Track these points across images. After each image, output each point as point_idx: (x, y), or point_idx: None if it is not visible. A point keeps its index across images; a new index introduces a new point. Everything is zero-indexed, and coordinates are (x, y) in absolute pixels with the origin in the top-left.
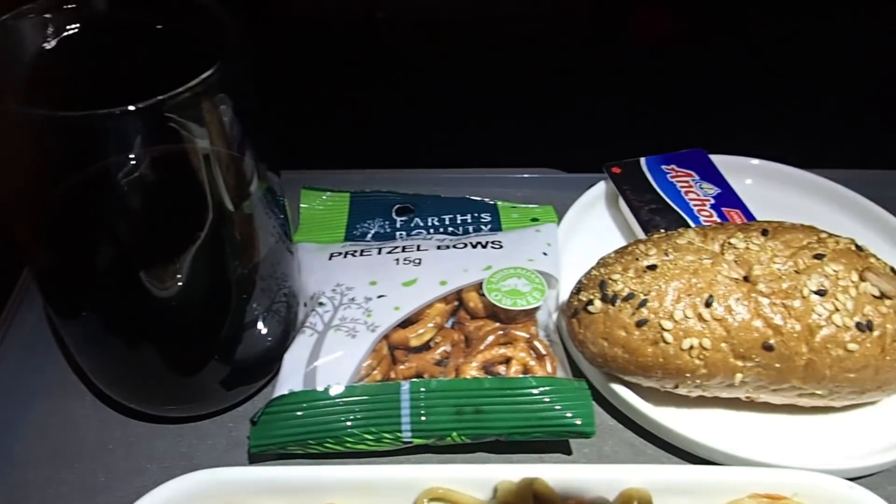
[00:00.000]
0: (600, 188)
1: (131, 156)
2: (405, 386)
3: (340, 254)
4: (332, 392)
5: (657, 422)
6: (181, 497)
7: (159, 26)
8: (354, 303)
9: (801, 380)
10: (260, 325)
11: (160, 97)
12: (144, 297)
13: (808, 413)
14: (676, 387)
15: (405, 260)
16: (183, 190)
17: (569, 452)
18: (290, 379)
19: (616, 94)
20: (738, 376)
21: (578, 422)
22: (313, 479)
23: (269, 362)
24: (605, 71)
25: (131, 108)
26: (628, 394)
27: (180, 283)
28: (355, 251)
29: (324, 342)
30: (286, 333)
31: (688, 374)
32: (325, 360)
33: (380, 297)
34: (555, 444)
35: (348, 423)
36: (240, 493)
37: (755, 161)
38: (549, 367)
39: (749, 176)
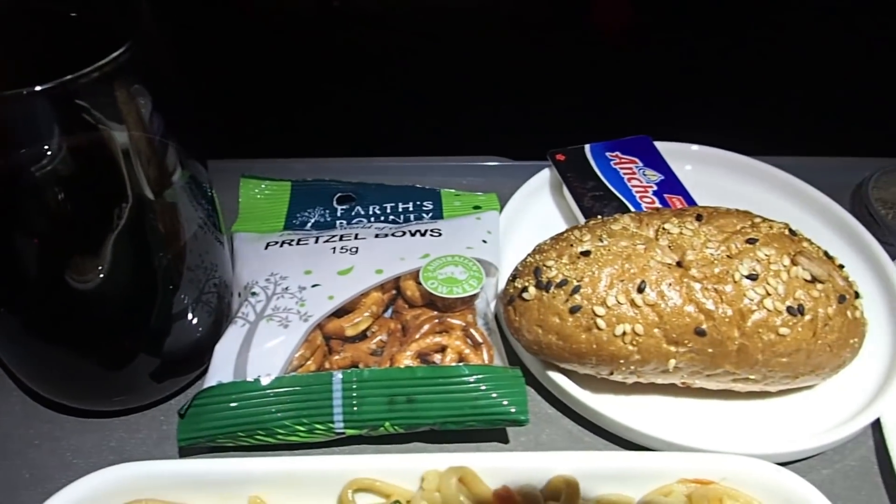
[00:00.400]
0: (544, 176)
1: (45, 143)
2: (337, 376)
3: (277, 243)
4: (263, 383)
5: (593, 409)
6: (97, 492)
7: (73, 14)
8: (288, 292)
9: (734, 365)
10: (189, 316)
11: (65, 77)
12: (65, 290)
13: (744, 398)
14: (611, 373)
15: (342, 249)
16: (99, 178)
17: (506, 441)
18: (219, 370)
19: (567, 83)
20: (672, 362)
21: (513, 409)
22: (237, 471)
23: (201, 354)
24: (555, 60)
25: (38, 88)
26: (564, 381)
27: (101, 275)
28: (292, 240)
29: (255, 332)
30: (218, 324)
31: (622, 361)
32: (257, 351)
33: (314, 286)
34: (492, 433)
35: (279, 415)
36: (161, 488)
37: (695, 147)
38: (485, 356)
39: (689, 162)
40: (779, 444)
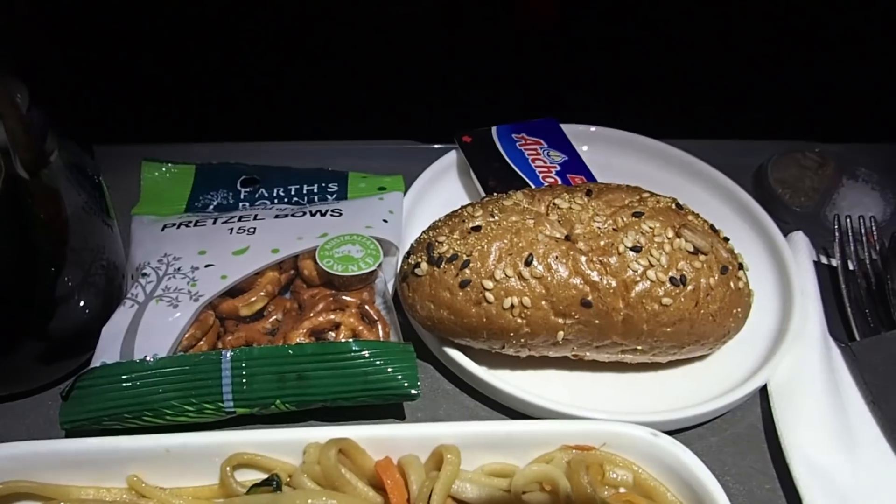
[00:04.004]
0: (451, 157)
1: None
2: (227, 354)
3: (174, 225)
4: (149, 363)
5: (487, 382)
6: None
7: None
8: (180, 273)
9: (620, 335)
10: (75, 298)
11: None
12: None
13: (635, 370)
14: (504, 347)
15: (239, 229)
16: None
17: (402, 418)
18: (105, 351)
19: (484, 66)
20: (561, 334)
21: (405, 384)
22: (112, 449)
23: (90, 336)
24: (470, 43)
25: None
26: (460, 356)
27: None
28: (189, 222)
29: (144, 313)
30: (108, 306)
31: (512, 334)
32: (145, 332)
33: (207, 266)
34: (388, 410)
35: (167, 395)
36: (34, 470)
37: (593, 128)
38: (380, 333)
39: (586, 143)
40: (663, 413)
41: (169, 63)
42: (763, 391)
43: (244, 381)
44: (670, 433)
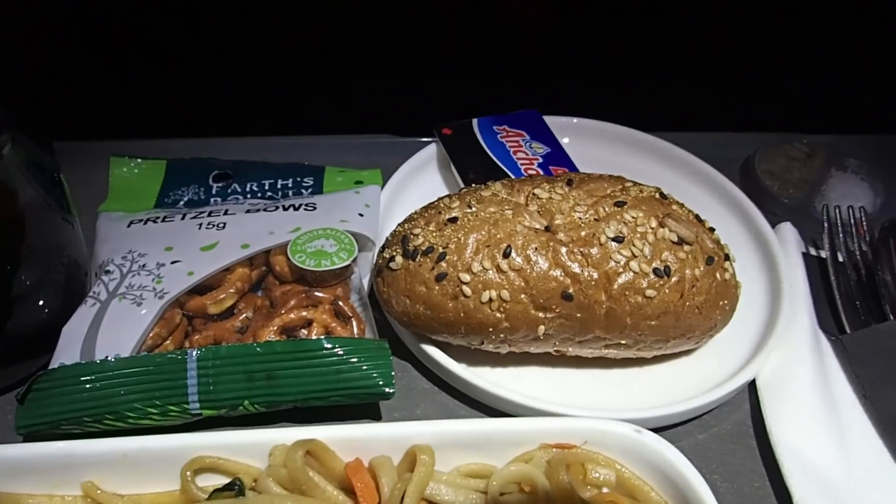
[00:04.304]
0: (431, 150)
1: None
2: (192, 353)
3: (141, 221)
4: (111, 364)
5: (465, 380)
6: None
7: None
8: (145, 269)
9: (603, 329)
10: (33, 297)
11: None
12: None
13: (620, 366)
14: (483, 343)
15: (209, 225)
16: None
17: (379, 419)
18: (65, 352)
19: (465, 58)
20: (542, 328)
21: (379, 382)
22: (66, 454)
23: (50, 337)
24: (451, 35)
25: None
26: (438, 353)
27: None
28: (157, 217)
29: (106, 312)
30: (69, 306)
31: (490, 329)
32: (107, 331)
33: (174, 262)
34: (364, 411)
35: (129, 397)
36: None
37: (575, 120)
38: (355, 330)
39: (569, 134)
40: (648, 409)
41: (144, 59)
42: (751, 386)
43: (211, 381)
44: (656, 430)
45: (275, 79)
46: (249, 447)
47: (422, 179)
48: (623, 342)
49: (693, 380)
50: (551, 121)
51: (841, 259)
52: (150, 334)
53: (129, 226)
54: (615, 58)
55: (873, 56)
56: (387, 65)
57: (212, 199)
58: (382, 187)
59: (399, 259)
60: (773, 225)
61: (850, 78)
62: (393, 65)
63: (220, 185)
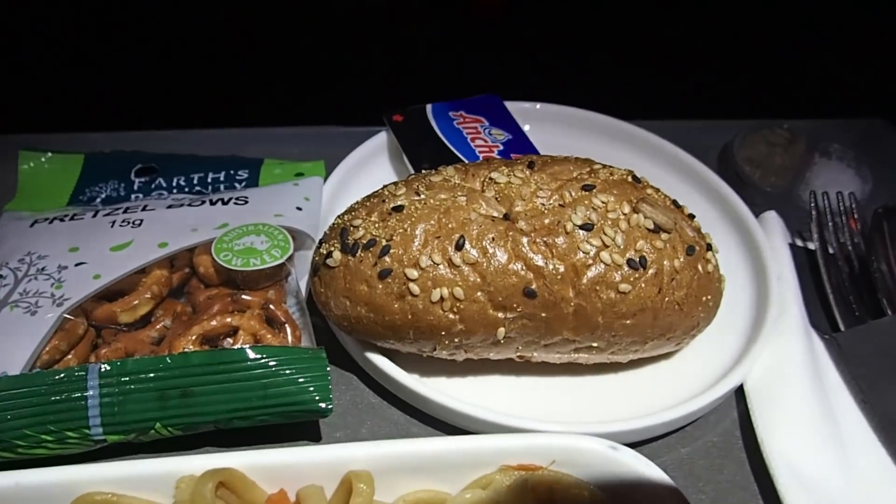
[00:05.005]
0: (381, 139)
1: None
2: (94, 369)
3: (46, 220)
4: None
5: (415, 392)
6: None
7: None
8: (43, 273)
9: (572, 330)
10: None
11: None
12: None
13: (592, 373)
14: (435, 349)
15: (123, 222)
16: None
17: (318, 439)
18: None
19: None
20: (502, 331)
21: (315, 398)
22: None
23: None
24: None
25: None
26: (384, 362)
27: None
28: (65, 216)
29: None
30: None
31: (443, 333)
32: None
33: (78, 264)
34: (300, 431)
35: (18, 422)
36: None
37: (539, 105)
38: (289, 338)
39: (531, 121)
40: (624, 421)
41: (62, 43)
42: (739, 392)
43: (115, 401)
44: (633, 445)
45: (210, 67)
46: (153, 479)
47: (371, 170)
48: (595, 345)
49: (674, 387)
50: (512, 106)
51: (831, 250)
52: (46, 348)
53: (32, 225)
54: (583, 42)
55: (854, 39)
56: (337, 53)
57: (133, 196)
58: (326, 179)
59: (337, 255)
60: (756, 216)
61: (830, 62)
62: (343, 53)
63: (143, 179)
